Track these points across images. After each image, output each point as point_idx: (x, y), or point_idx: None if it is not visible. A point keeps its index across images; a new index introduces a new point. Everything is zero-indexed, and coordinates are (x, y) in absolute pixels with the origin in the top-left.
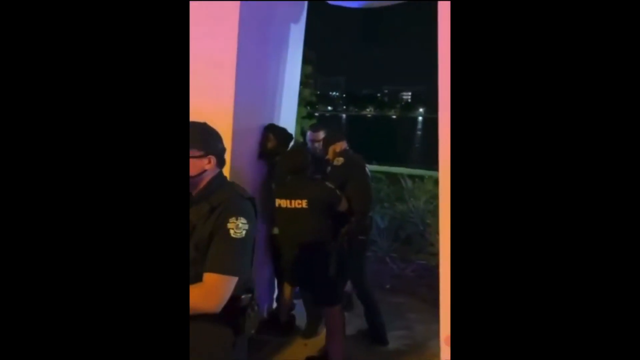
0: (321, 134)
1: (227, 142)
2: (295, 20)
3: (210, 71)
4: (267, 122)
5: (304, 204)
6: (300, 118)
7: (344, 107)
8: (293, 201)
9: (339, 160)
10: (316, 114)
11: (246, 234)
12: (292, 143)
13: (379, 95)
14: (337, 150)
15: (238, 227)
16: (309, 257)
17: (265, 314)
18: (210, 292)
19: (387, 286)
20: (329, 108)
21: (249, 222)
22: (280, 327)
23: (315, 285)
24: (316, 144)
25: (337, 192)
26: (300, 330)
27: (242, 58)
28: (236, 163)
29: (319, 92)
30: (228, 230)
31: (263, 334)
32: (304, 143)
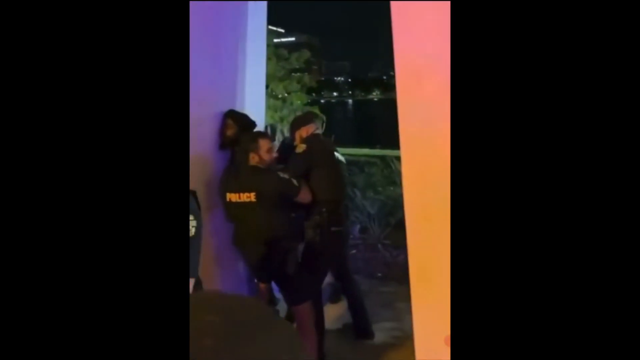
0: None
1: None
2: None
3: None
4: (227, 108)
5: (252, 197)
6: (303, 105)
7: (350, 92)
8: (242, 194)
9: (301, 147)
10: (322, 101)
11: (195, 231)
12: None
13: (384, 77)
14: (304, 135)
15: None
16: (265, 254)
17: None
18: None
19: (379, 274)
20: (335, 94)
21: (195, 219)
22: None
23: (276, 283)
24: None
25: (293, 182)
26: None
27: (196, 41)
28: (194, 152)
29: (323, 78)
30: None
31: None
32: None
